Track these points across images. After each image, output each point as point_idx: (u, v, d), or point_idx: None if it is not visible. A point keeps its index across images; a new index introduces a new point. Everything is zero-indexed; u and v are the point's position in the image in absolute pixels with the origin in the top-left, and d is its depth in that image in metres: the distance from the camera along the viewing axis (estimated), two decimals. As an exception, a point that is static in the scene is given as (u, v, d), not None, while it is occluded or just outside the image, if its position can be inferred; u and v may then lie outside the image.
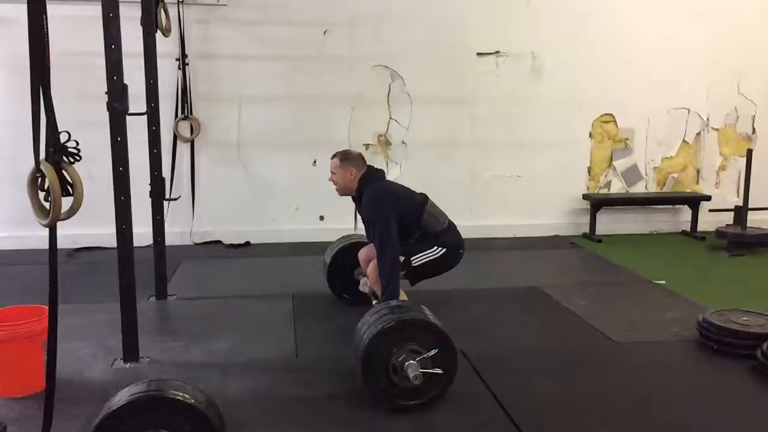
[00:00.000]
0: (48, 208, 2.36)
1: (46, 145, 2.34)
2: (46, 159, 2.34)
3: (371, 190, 3.68)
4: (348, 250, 4.22)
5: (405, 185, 3.94)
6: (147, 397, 2.22)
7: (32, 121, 2.24)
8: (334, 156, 3.79)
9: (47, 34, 2.24)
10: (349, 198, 3.90)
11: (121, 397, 2.22)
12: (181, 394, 2.25)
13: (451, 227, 3.85)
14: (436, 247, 3.72)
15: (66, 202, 2.46)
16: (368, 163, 3.88)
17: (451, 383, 2.88)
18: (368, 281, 3.79)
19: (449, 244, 3.76)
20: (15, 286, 4.65)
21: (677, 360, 3.50)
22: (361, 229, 4.20)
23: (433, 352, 2.80)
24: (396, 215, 3.58)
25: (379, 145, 6.25)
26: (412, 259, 3.67)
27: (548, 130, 6.42)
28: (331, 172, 3.78)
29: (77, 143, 2.42)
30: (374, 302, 3.45)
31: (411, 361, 2.77)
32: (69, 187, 2.39)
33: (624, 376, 3.28)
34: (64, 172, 2.36)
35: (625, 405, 2.97)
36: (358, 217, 4.01)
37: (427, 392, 2.84)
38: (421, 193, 3.88)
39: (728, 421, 2.83)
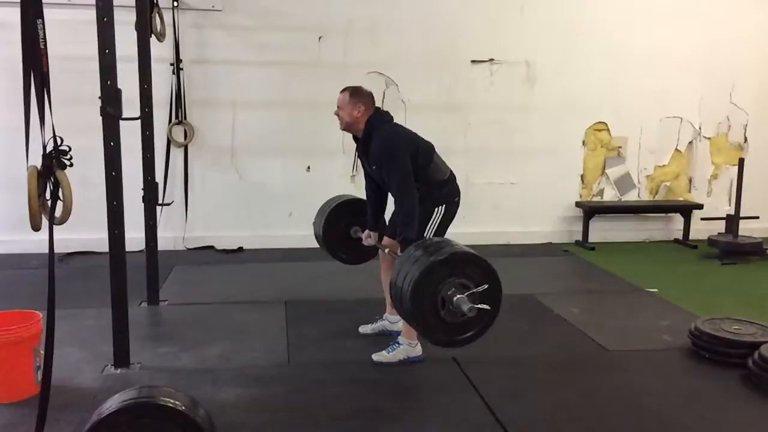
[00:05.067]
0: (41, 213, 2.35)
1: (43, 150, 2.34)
2: (43, 163, 2.33)
3: (384, 133, 3.50)
4: (340, 209, 4.00)
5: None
6: (137, 404, 2.19)
7: (25, 125, 2.24)
8: (344, 90, 3.56)
9: (45, 39, 2.24)
10: None
11: (112, 404, 2.19)
12: (172, 401, 2.23)
13: (452, 177, 3.71)
14: (436, 209, 3.57)
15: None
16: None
17: (493, 321, 2.80)
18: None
19: (444, 199, 3.61)
20: (4, 290, 4.62)
21: (669, 368, 3.50)
22: (355, 188, 3.91)
23: (483, 287, 2.71)
24: (410, 156, 3.45)
25: (373, 151, 6.25)
26: (425, 235, 3.52)
27: (541, 137, 6.45)
28: (338, 107, 3.55)
29: (70, 148, 2.42)
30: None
31: (461, 296, 2.67)
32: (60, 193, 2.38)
33: (616, 384, 3.28)
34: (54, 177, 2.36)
35: (616, 413, 2.97)
36: (357, 164, 3.80)
37: (471, 328, 2.76)
38: (428, 141, 3.72)
39: (720, 430, 2.84)
